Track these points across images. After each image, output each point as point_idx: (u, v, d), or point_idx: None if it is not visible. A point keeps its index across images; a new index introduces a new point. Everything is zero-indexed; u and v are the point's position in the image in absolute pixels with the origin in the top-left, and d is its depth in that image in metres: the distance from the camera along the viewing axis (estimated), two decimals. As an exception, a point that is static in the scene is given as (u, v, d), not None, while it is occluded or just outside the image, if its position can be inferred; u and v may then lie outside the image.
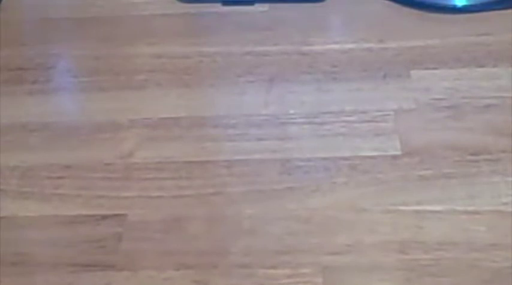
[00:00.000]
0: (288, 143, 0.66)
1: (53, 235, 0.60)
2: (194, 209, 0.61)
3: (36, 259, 0.59)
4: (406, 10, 0.78)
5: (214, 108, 0.70)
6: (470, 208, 0.60)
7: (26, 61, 0.76)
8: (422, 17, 0.77)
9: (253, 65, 0.73)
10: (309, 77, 0.72)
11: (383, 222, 0.59)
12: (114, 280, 0.57)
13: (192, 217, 0.61)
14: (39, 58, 0.76)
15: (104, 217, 0.61)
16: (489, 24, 0.76)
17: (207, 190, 0.63)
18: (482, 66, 0.71)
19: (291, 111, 0.69)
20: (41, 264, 0.59)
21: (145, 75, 0.73)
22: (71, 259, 0.59)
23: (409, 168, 0.63)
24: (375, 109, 0.68)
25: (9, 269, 0.58)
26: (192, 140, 0.67)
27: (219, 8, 0.80)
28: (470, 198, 0.60)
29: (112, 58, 0.75)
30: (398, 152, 0.64)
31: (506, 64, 0.71)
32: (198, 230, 0.60)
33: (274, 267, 0.57)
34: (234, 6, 0.80)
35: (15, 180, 0.65)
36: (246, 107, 0.69)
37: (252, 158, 0.65)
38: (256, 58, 0.74)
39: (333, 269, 0.57)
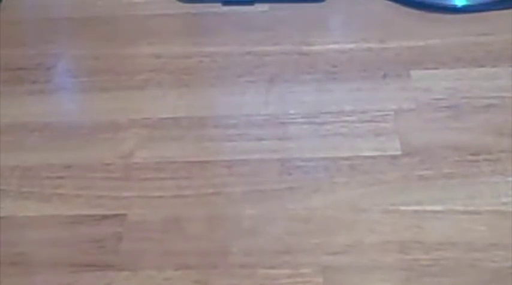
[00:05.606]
0: (288, 143, 0.66)
1: (53, 235, 0.60)
2: (194, 209, 0.61)
3: (36, 259, 0.59)
4: (406, 10, 0.78)
5: (214, 108, 0.70)
6: (470, 208, 0.60)
7: (26, 61, 0.76)
8: (422, 17, 0.77)
9: (253, 65, 0.73)
10: (309, 77, 0.72)
11: (383, 222, 0.59)
12: (114, 280, 0.57)
13: (192, 217, 0.61)
14: (39, 58, 0.76)
15: (104, 217, 0.61)
16: (489, 24, 0.76)
17: (207, 190, 0.63)
18: (482, 66, 0.71)
19: (291, 111, 0.69)
20: (41, 264, 0.59)
21: (145, 75, 0.73)
22: (71, 259, 0.59)
23: (409, 168, 0.63)
24: (375, 109, 0.68)
25: (9, 269, 0.58)
26: (192, 140, 0.67)
27: (219, 8, 0.80)
28: (470, 198, 0.60)
29: (112, 58, 0.75)
30: (399, 152, 0.64)
31: (506, 64, 0.71)
32: (198, 230, 0.60)
33: (274, 267, 0.57)
34: (234, 6, 0.80)
35: (15, 180, 0.65)
36: (246, 107, 0.69)
37: (252, 158, 0.65)
38: (256, 58, 0.74)
39: (333, 269, 0.57)
